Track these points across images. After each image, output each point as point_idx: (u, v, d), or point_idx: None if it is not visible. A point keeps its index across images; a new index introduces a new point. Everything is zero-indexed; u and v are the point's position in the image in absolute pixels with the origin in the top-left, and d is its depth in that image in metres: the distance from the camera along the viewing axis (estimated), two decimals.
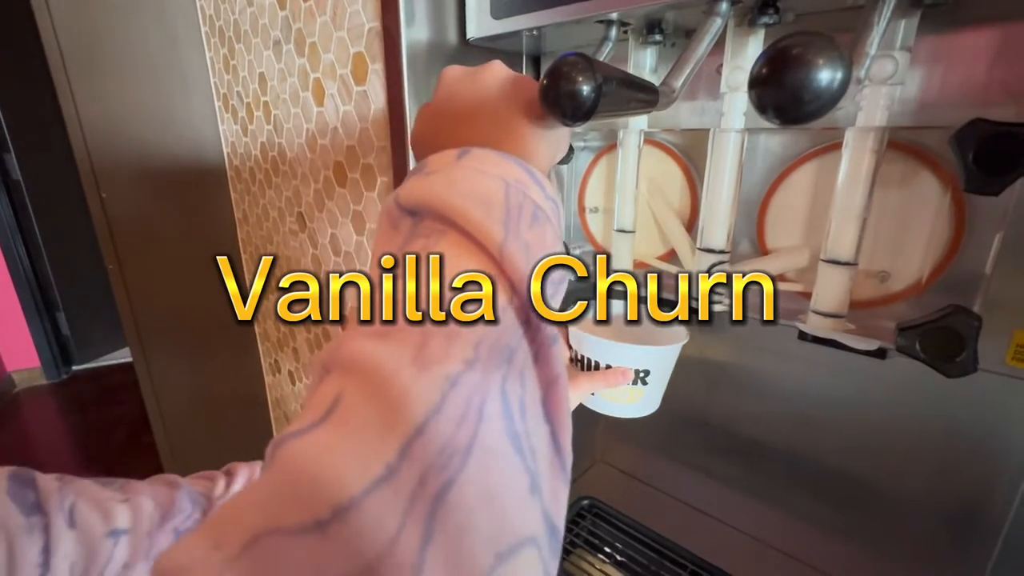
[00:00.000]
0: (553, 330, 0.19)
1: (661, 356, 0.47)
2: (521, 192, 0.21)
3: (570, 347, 0.51)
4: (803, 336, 0.44)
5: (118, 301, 1.02)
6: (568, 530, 0.67)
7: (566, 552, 0.64)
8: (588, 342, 0.48)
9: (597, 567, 0.62)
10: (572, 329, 0.50)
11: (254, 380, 1.08)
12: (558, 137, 0.28)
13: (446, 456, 0.14)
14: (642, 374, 0.47)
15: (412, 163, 0.55)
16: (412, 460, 0.14)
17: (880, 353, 0.41)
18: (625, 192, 0.50)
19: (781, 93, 0.20)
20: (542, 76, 0.25)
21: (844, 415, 0.56)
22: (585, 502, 0.71)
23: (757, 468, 0.65)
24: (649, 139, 0.51)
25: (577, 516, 0.70)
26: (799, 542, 0.63)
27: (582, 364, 0.49)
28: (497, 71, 0.28)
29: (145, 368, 1.08)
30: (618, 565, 0.63)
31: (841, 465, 0.58)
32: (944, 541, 0.53)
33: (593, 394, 0.49)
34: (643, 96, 0.29)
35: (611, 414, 0.50)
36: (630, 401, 0.48)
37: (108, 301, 1.06)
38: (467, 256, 0.19)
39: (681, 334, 0.49)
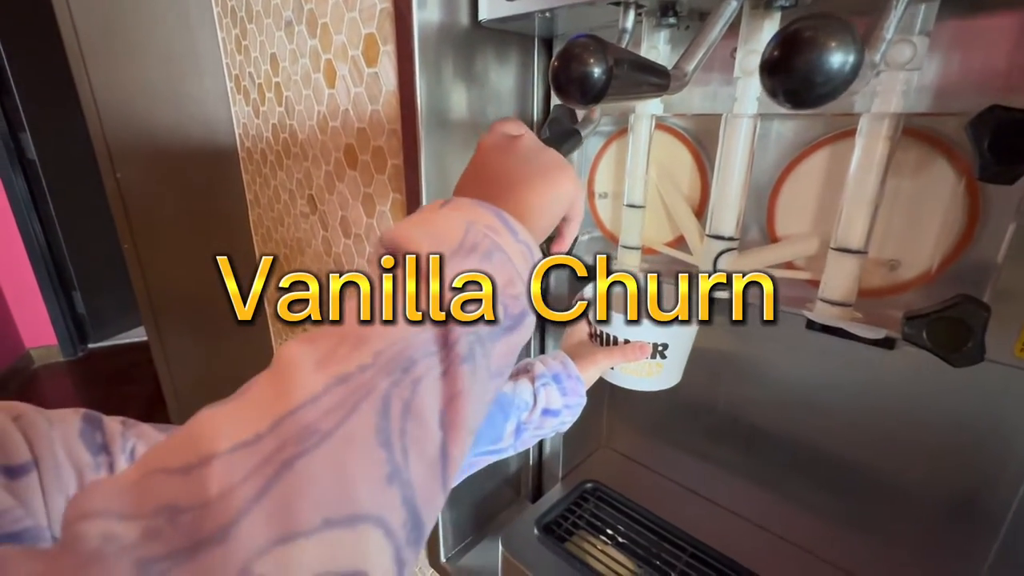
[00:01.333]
0: (465, 349, 0.22)
1: (679, 329, 0.47)
2: (482, 233, 0.24)
3: (589, 323, 0.52)
4: (811, 325, 0.44)
5: (133, 280, 1.04)
6: (571, 512, 0.69)
7: (568, 533, 0.65)
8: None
9: (599, 548, 0.63)
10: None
11: (266, 359, 1.10)
12: (560, 207, 0.31)
13: (306, 434, 0.17)
14: (661, 348, 0.47)
15: (424, 148, 0.55)
16: (277, 432, 0.17)
17: (888, 343, 0.41)
18: (635, 177, 0.50)
19: (792, 77, 0.19)
20: (553, 58, 0.25)
21: (849, 404, 0.56)
22: (588, 485, 0.72)
23: (760, 455, 0.66)
24: (660, 124, 0.50)
25: (580, 498, 0.71)
26: (799, 529, 0.63)
27: (601, 339, 0.50)
28: (525, 145, 0.31)
29: (160, 346, 1.11)
30: (619, 547, 0.64)
31: (845, 454, 0.59)
32: (946, 530, 0.53)
33: (613, 368, 0.49)
34: (654, 80, 0.29)
35: (631, 387, 0.50)
36: (649, 375, 0.49)
37: (123, 280, 1.08)
38: None
39: None
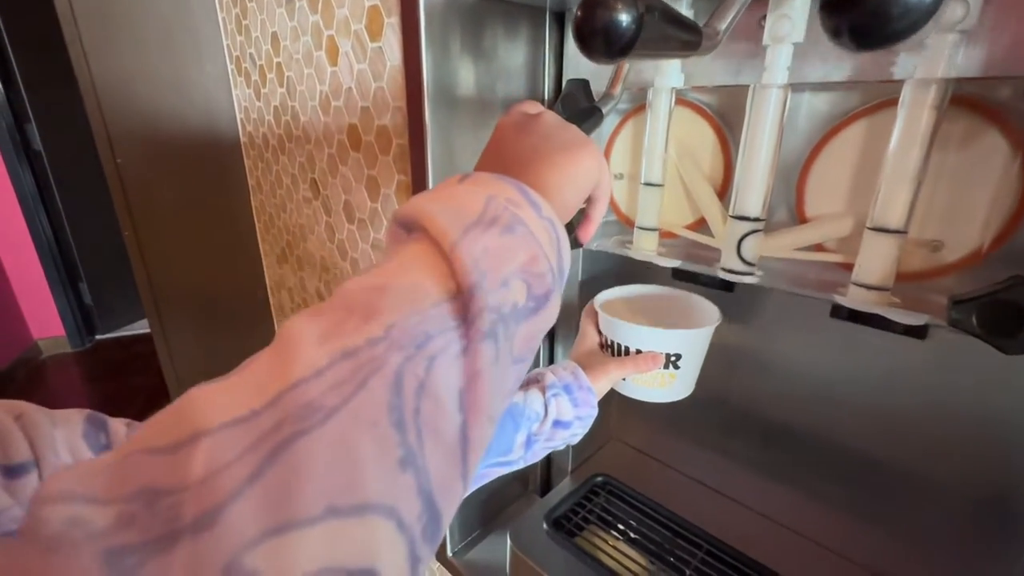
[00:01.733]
0: (486, 326, 0.20)
1: (692, 339, 0.46)
2: (503, 206, 0.22)
3: (600, 332, 0.50)
4: (836, 313, 0.41)
5: (135, 268, 1.02)
6: (581, 506, 0.67)
7: (578, 528, 0.63)
8: (618, 327, 0.47)
9: (610, 543, 0.61)
10: (601, 314, 0.48)
11: None
12: (582, 185, 0.29)
13: (308, 411, 0.16)
14: (673, 358, 0.46)
15: (430, 126, 0.52)
16: (276, 409, 0.15)
17: (920, 331, 0.39)
18: (653, 155, 0.47)
19: (863, 10, 0.17)
20: (576, 7, 0.23)
21: (870, 396, 0.54)
22: (599, 479, 0.70)
23: (775, 448, 0.63)
24: (680, 99, 0.48)
25: (590, 492, 0.69)
26: (817, 524, 0.61)
27: (612, 350, 0.48)
28: (546, 122, 0.30)
29: (162, 337, 1.09)
30: (631, 542, 0.62)
31: (865, 448, 0.56)
32: (975, 530, 0.51)
33: (624, 379, 0.48)
34: (686, 36, 0.26)
35: (643, 399, 0.49)
36: (662, 386, 0.47)
37: (129, 272, 1.06)
38: (424, 253, 0.21)
39: (714, 316, 0.47)
